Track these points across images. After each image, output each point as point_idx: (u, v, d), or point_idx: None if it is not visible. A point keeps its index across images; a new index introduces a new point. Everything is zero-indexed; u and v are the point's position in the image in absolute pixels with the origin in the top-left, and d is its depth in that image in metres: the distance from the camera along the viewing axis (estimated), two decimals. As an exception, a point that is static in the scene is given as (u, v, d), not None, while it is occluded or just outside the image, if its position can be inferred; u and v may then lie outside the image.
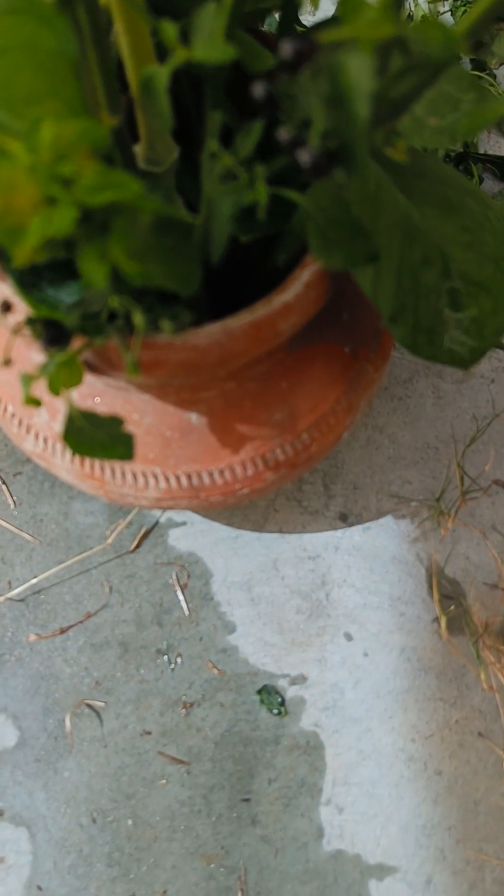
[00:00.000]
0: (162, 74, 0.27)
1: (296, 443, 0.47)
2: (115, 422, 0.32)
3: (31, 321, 0.31)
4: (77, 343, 0.32)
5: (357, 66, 0.21)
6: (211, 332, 0.36)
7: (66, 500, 0.59)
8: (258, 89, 0.23)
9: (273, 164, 0.27)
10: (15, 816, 0.51)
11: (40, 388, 0.43)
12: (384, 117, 0.29)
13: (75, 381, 0.34)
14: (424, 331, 0.41)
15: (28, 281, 0.38)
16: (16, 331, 0.31)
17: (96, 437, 0.33)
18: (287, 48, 0.22)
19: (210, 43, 0.25)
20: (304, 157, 0.23)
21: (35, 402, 0.32)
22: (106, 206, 0.23)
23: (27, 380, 0.31)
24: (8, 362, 0.30)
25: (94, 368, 0.37)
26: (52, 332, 0.30)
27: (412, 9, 0.76)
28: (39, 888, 0.50)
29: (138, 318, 0.28)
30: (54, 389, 0.34)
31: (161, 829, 0.51)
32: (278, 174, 0.30)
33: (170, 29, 0.25)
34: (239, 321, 0.36)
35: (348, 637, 0.55)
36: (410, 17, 0.76)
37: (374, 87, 0.21)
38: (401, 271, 0.39)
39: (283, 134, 0.24)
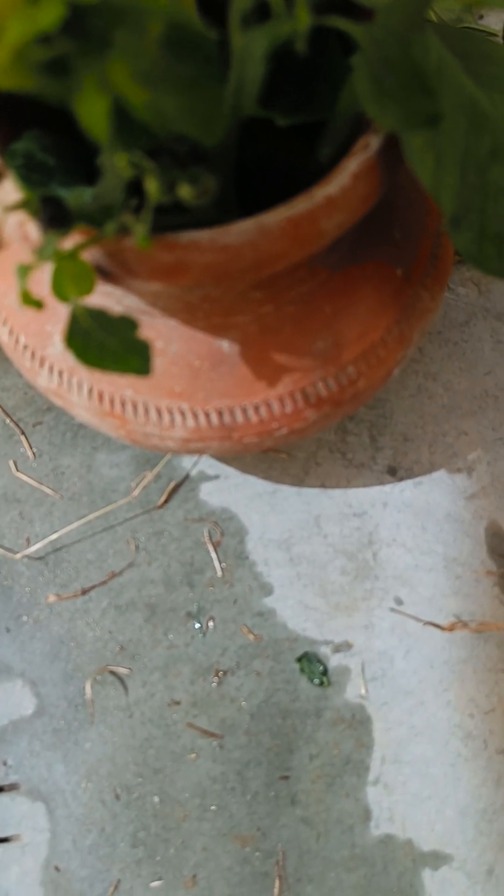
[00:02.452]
0: None
1: (340, 376, 0.41)
2: (128, 324, 0.27)
3: (26, 201, 0.26)
4: (81, 234, 0.27)
5: None
6: (243, 230, 0.31)
7: (90, 451, 0.54)
8: None
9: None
10: (32, 790, 0.47)
11: (52, 314, 0.38)
12: None
13: (86, 287, 0.29)
14: (492, 238, 0.35)
15: (35, 179, 0.33)
16: (8, 208, 0.26)
17: (107, 344, 0.28)
18: None
19: None
20: None
21: (34, 303, 0.27)
22: (104, 10, 0.18)
23: (23, 271, 0.26)
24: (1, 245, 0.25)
25: (107, 276, 0.32)
26: (50, 210, 0.25)
27: None
28: (57, 869, 0.45)
29: (151, 182, 0.23)
30: (61, 294, 0.29)
31: (191, 807, 0.46)
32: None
33: None
34: (276, 216, 0.31)
35: (398, 601, 0.50)
36: None
37: None
38: (465, 164, 0.33)
39: None
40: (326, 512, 0.52)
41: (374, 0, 0.27)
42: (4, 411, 0.55)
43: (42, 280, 0.32)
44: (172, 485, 0.53)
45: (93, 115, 0.19)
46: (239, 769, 0.47)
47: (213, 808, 0.46)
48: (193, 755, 0.47)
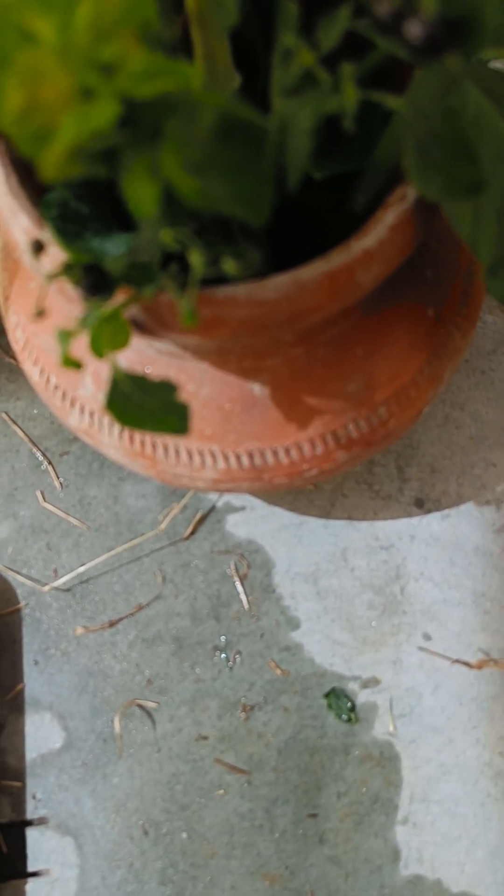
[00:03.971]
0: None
1: (372, 417, 0.41)
2: (167, 387, 0.27)
3: (68, 267, 0.26)
4: (122, 295, 0.27)
5: None
6: (280, 284, 0.30)
7: (116, 481, 0.54)
8: None
9: (365, 60, 0.21)
10: (61, 825, 0.47)
11: (83, 353, 0.39)
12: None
13: (121, 341, 0.29)
14: (529, 284, 0.35)
15: (71, 230, 0.33)
16: (51, 276, 0.26)
17: (146, 405, 0.28)
18: None
19: None
20: (415, 29, 0.18)
21: (74, 364, 0.27)
22: (157, 104, 0.18)
23: (65, 336, 0.26)
24: (42, 313, 0.25)
25: (143, 329, 0.32)
26: (92, 278, 0.25)
27: None
28: (87, 905, 0.46)
29: (196, 257, 0.23)
30: (97, 350, 0.29)
31: (219, 844, 0.46)
32: (364, 80, 0.24)
33: None
34: (312, 271, 0.31)
35: (426, 636, 0.50)
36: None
37: None
38: (502, 211, 0.33)
39: (383, 6, 0.18)
40: (353, 545, 0.52)
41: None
42: (31, 441, 0.55)
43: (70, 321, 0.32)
44: (199, 516, 0.53)
45: (142, 198, 0.19)
46: (267, 806, 0.47)
47: (241, 845, 0.46)
48: (221, 791, 0.47)
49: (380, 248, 0.31)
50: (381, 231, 0.31)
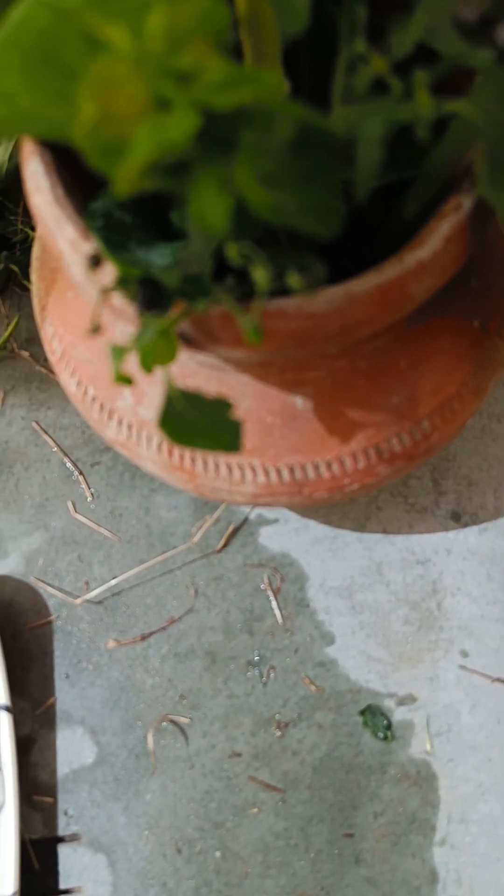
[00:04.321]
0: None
1: (415, 431, 0.40)
2: (222, 405, 0.27)
3: (123, 281, 0.25)
4: (176, 310, 0.27)
5: None
6: (331, 297, 0.30)
7: (148, 492, 0.53)
8: None
9: (437, 67, 0.21)
10: (93, 841, 0.46)
11: (127, 365, 0.38)
12: None
13: (169, 356, 0.29)
14: None
15: (115, 241, 0.33)
16: (107, 290, 0.25)
17: (197, 423, 0.27)
18: None
19: None
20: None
21: (126, 381, 0.27)
22: (234, 115, 0.18)
23: (118, 353, 0.26)
24: (97, 329, 0.25)
25: (190, 342, 0.32)
26: (148, 293, 0.24)
27: None
28: (119, 924, 0.45)
29: (260, 273, 0.22)
30: (147, 365, 0.28)
31: (253, 863, 0.46)
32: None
33: None
34: (365, 283, 0.30)
35: (464, 653, 0.49)
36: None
37: None
38: None
39: (470, 10, 0.17)
40: (389, 558, 0.51)
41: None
42: (63, 451, 0.55)
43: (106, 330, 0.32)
44: (231, 528, 0.52)
45: (211, 212, 0.19)
46: (302, 825, 0.46)
47: (276, 864, 0.45)
48: (255, 809, 0.47)
49: (434, 259, 0.31)
50: (435, 242, 0.31)
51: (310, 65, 0.34)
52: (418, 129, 0.20)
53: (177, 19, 0.17)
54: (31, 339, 0.58)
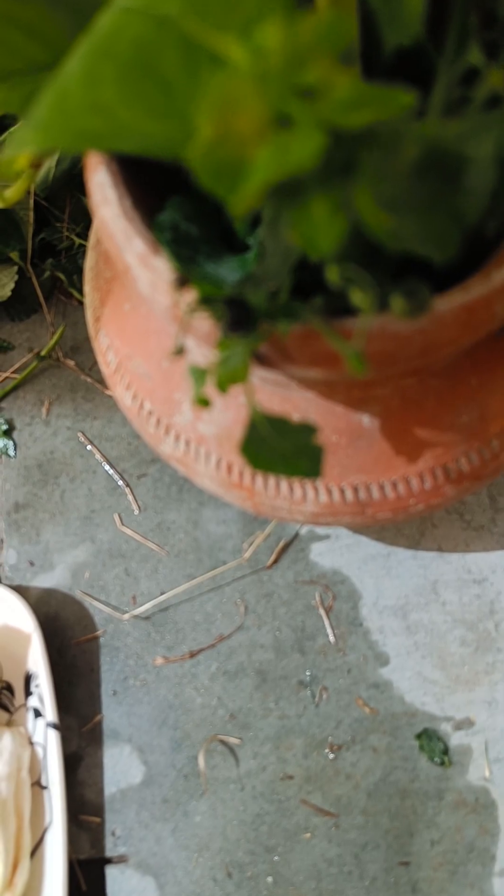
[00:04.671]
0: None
1: (484, 451, 0.39)
2: (307, 430, 0.26)
3: (207, 300, 0.24)
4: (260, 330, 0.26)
5: None
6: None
7: (196, 506, 0.52)
8: None
9: None
10: (141, 863, 0.46)
11: (182, 380, 0.37)
12: None
13: (241, 375, 0.28)
14: None
15: (184, 254, 0.32)
16: (192, 310, 0.24)
17: (280, 448, 0.26)
18: None
19: None
20: None
21: (205, 403, 0.26)
22: (359, 135, 0.16)
23: (199, 375, 0.24)
24: (181, 351, 0.24)
25: (261, 361, 0.30)
26: (235, 314, 0.23)
27: None
28: None
29: (362, 297, 0.21)
30: (223, 386, 0.27)
31: (306, 890, 0.44)
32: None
33: None
34: (450, 303, 0.29)
35: (523, 677, 0.47)
36: None
37: None
38: None
39: None
40: (444, 577, 0.50)
41: None
42: (109, 462, 0.54)
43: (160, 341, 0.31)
44: (282, 544, 0.51)
45: (322, 234, 0.18)
46: (356, 852, 0.45)
47: (329, 891, 0.44)
48: (308, 834, 0.45)
49: (520, 277, 0.29)
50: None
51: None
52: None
53: (298, 34, 0.16)
54: (77, 348, 0.57)
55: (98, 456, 0.54)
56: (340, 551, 0.51)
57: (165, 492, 0.53)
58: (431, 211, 0.18)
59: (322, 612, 0.49)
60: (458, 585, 0.49)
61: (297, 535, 0.51)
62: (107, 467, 0.54)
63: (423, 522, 0.51)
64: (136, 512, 0.53)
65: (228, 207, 0.17)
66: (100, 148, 0.20)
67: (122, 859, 0.46)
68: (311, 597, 0.50)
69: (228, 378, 0.27)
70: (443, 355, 0.31)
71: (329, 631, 0.49)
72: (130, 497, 0.53)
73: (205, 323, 0.26)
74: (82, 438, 0.55)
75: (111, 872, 0.46)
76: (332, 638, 0.49)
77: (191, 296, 0.26)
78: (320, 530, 0.51)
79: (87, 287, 0.45)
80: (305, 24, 0.17)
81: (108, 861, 0.46)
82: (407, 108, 0.16)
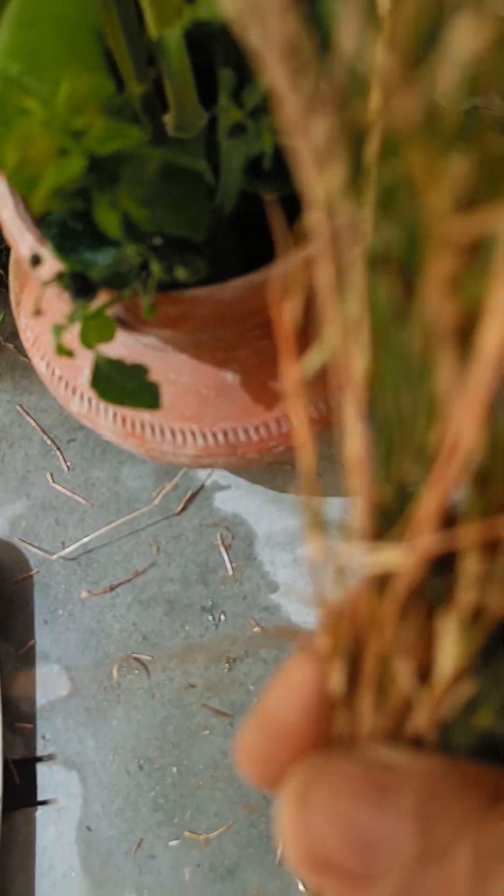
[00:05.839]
0: (173, 35, 0.28)
1: (330, 399, 0.47)
2: (140, 370, 0.34)
3: (60, 275, 0.33)
4: (104, 297, 0.34)
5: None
6: (235, 287, 0.37)
7: (117, 464, 0.61)
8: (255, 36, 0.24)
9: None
10: (67, 761, 0.54)
11: (81, 347, 0.46)
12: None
13: (108, 335, 0.36)
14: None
15: (68, 246, 0.40)
16: (46, 283, 0.33)
17: (124, 385, 0.34)
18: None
19: (211, 3, 0.26)
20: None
21: (66, 353, 0.34)
22: (114, 156, 0.25)
23: (57, 329, 0.33)
24: (39, 312, 0.32)
25: (126, 325, 0.39)
26: (78, 284, 0.32)
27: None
28: (89, 829, 0.52)
29: (154, 265, 0.29)
30: (86, 342, 0.36)
31: (204, 777, 0.53)
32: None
33: (175, -13, 0.26)
34: (262, 275, 0.37)
35: (389, 597, 0.56)
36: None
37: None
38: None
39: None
40: (327, 516, 0.58)
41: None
42: (42, 429, 0.62)
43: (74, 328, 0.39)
44: (189, 494, 0.60)
45: (108, 223, 0.26)
46: (247, 744, 0.54)
47: (224, 778, 0.53)
48: (207, 732, 0.54)
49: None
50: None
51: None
52: (265, 160, 0.27)
53: (75, 91, 0.25)
54: (15, 334, 0.66)
55: (33, 424, 0.63)
56: (239, 498, 0.60)
57: (91, 453, 0.62)
58: (181, 205, 0.27)
59: (223, 549, 0.58)
60: (339, 523, 0.58)
61: (202, 486, 0.60)
62: (41, 434, 0.62)
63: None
64: (66, 471, 0.61)
65: (30, 206, 0.25)
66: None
67: (50, 757, 0.54)
68: (213, 537, 0.59)
69: (93, 337, 0.36)
70: (266, 318, 0.40)
71: (228, 565, 0.58)
72: (61, 458, 0.62)
73: (60, 291, 0.35)
74: (20, 410, 0.63)
75: (41, 769, 0.54)
76: (230, 571, 0.58)
77: (48, 270, 0.35)
78: (222, 481, 0.60)
79: (11, 277, 0.53)
80: (80, 84, 0.25)
81: (39, 759, 0.54)
82: (140, 140, 0.24)
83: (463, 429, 0.12)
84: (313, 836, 0.13)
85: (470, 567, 0.12)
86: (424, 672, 0.13)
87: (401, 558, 0.13)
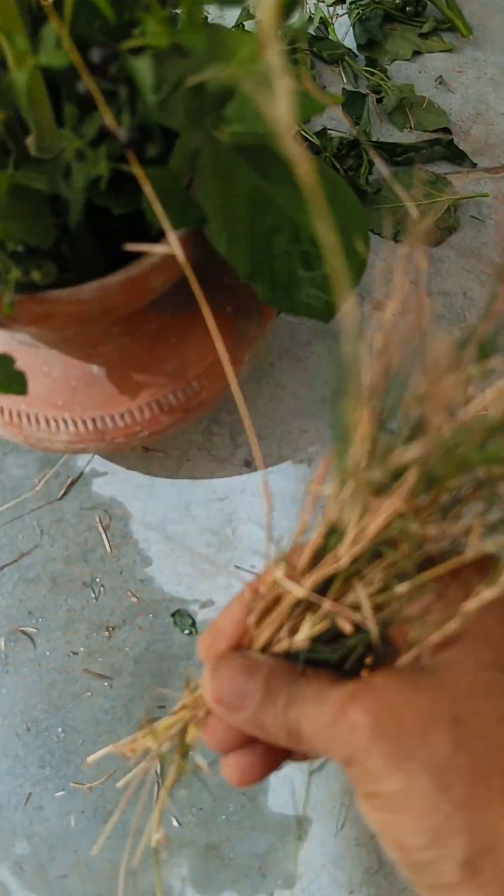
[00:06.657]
0: (20, 77, 0.34)
1: (186, 389, 0.54)
2: (7, 360, 0.40)
3: None
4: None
5: (143, 66, 0.28)
6: (92, 288, 0.43)
7: (1, 455, 0.66)
8: (80, 86, 0.30)
9: (112, 144, 0.35)
10: (-41, 728, 0.58)
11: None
12: (208, 108, 0.36)
13: (-20, 332, 0.41)
14: (282, 287, 0.49)
15: None
16: None
17: (-6, 373, 0.40)
18: (96, 53, 0.29)
19: (51, 51, 0.32)
20: (121, 134, 0.31)
21: None
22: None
23: None
24: None
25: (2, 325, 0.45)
26: None
27: (311, 12, 0.84)
28: (-20, 786, 0.57)
29: (13, 271, 0.35)
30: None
31: (88, 734, 0.59)
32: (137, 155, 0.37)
33: (20, 41, 0.32)
34: (115, 278, 0.44)
35: (252, 567, 0.63)
36: (311, 19, 0.84)
37: (154, 80, 0.28)
38: (253, 236, 0.47)
39: (95, 54, 0.31)
40: (195, 498, 0.65)
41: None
42: None
43: None
44: (70, 480, 0.65)
45: (-32, 234, 0.32)
46: (125, 703, 0.59)
47: (105, 733, 0.59)
48: (89, 694, 0.59)
49: (164, 262, 0.45)
50: (164, 249, 0.45)
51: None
52: (101, 182, 0.34)
53: None
54: None
55: None
56: (116, 483, 0.65)
57: (-24, 446, 0.66)
58: (30, 219, 0.33)
59: (101, 530, 0.64)
60: (206, 503, 0.65)
61: (82, 473, 0.66)
62: None
63: (180, 458, 0.66)
64: (-47, 463, 0.66)
65: None
66: None
67: None
68: (92, 519, 0.64)
69: (-34, 333, 0.41)
70: (123, 314, 0.46)
71: (106, 544, 0.63)
72: None
73: None
74: None
75: None
76: (108, 549, 0.63)
77: None
78: (100, 468, 0.66)
79: None
80: None
81: None
82: (-11, 166, 0.30)
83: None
84: (217, 687, 0.26)
85: (325, 603, 0.24)
86: (293, 630, 0.26)
87: (295, 591, 0.25)
